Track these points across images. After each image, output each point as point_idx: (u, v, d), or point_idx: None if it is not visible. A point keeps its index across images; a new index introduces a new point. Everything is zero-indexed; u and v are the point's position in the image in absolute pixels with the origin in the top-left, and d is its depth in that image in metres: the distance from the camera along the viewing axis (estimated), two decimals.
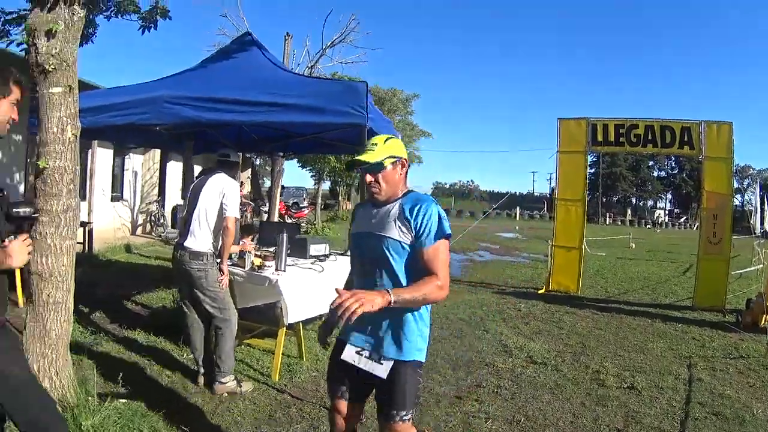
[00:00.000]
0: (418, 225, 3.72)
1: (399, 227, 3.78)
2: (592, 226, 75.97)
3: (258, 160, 39.85)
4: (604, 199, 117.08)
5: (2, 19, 8.37)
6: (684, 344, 10.61)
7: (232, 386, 6.83)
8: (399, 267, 3.81)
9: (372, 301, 3.31)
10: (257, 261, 7.85)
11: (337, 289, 3.37)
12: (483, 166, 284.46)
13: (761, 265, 18.14)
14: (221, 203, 6.88)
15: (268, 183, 45.67)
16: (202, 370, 7.12)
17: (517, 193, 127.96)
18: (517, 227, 58.19)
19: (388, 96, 67.44)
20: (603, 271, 22.06)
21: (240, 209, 7.69)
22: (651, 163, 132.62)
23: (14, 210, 3.21)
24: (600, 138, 15.47)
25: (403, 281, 3.78)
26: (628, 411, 6.99)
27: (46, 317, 5.74)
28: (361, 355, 3.95)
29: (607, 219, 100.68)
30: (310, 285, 7.71)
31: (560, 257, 16.00)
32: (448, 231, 3.77)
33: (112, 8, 7.65)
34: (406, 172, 4.04)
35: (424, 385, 7.23)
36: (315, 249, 8.89)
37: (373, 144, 3.94)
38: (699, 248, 14.91)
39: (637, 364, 9.06)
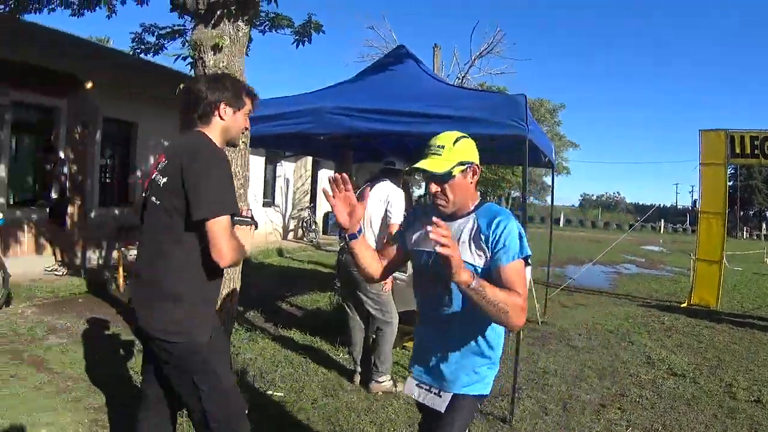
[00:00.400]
0: (496, 240, 3.20)
1: (474, 249, 3.25)
2: (731, 240, 73.53)
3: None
4: (741, 213, 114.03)
5: (156, 33, 8.86)
6: None
7: (389, 386, 7.16)
8: None
9: (459, 266, 2.83)
10: None
11: (436, 221, 2.84)
12: (629, 176, 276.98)
13: None
14: (386, 210, 7.19)
15: (417, 192, 46.07)
16: (359, 369, 7.50)
17: (661, 206, 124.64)
18: (661, 240, 57.04)
19: (535, 106, 66.78)
20: (740, 285, 21.35)
21: None
22: None
23: (235, 218, 3.43)
24: (738, 150, 15.02)
25: (477, 311, 3.09)
26: (752, 423, 7.03)
27: None
28: (422, 388, 3.56)
29: (745, 233, 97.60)
30: None
31: (702, 271, 15.62)
32: (528, 252, 3.22)
33: (267, 23, 7.96)
34: (478, 179, 3.47)
35: (572, 393, 7.60)
36: None
37: (438, 146, 3.33)
38: None
39: (765, 378, 8.98)
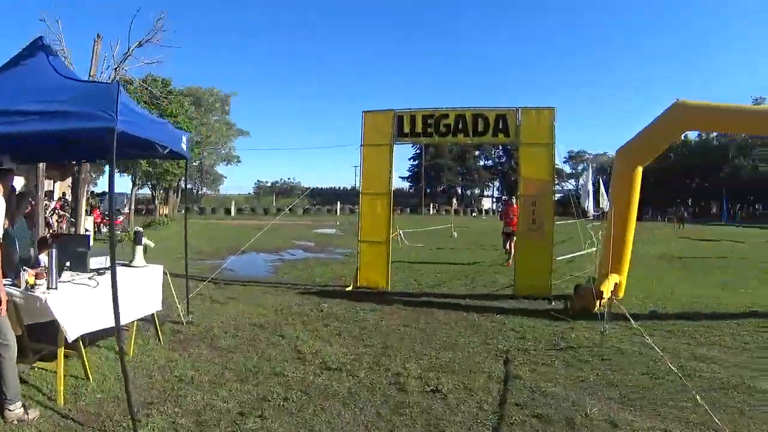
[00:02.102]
0: None
1: None
2: (415, 217, 78.61)
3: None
4: (428, 190, 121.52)
5: None
6: (501, 337, 10.49)
7: (20, 413, 6.53)
8: None
9: None
10: (30, 279, 7.44)
11: None
12: (306, 162, 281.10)
13: (594, 249, 18.50)
14: None
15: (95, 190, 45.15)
16: None
17: (341, 188, 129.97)
18: (338, 222, 59.86)
19: (206, 95, 67.89)
20: (419, 263, 22.17)
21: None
22: (477, 152, 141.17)
23: None
24: (407, 130, 15.62)
25: None
26: (430, 418, 6.67)
27: None
28: None
29: (431, 209, 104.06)
30: (86, 300, 7.56)
31: (367, 252, 15.98)
32: None
33: None
34: None
35: (209, 402, 7.08)
36: (96, 262, 8.59)
37: None
38: (517, 235, 15.66)
39: (445, 363, 8.79)
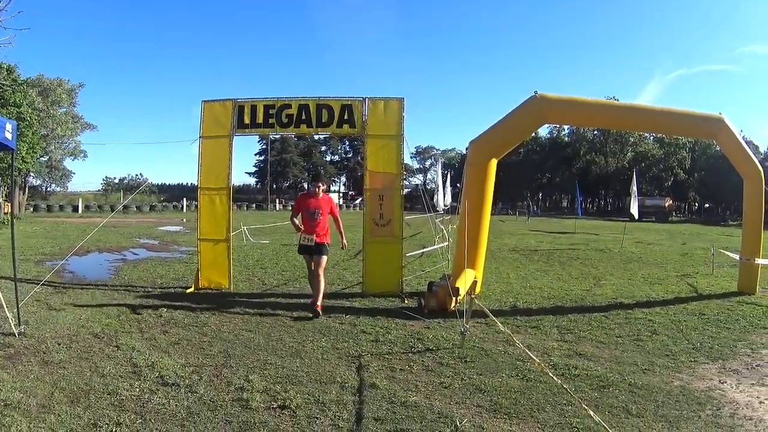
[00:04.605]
0: None
1: None
2: (261, 213, 77.55)
3: None
4: (275, 186, 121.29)
5: None
6: (352, 340, 9.76)
7: None
8: None
9: None
10: None
11: None
12: (155, 157, 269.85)
13: (446, 243, 17.89)
14: None
15: None
16: None
17: (188, 184, 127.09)
18: (184, 219, 57.97)
19: (53, 86, 65.60)
20: (264, 260, 21.40)
21: None
22: (324, 147, 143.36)
23: None
24: (247, 120, 14.80)
25: None
26: None
27: None
28: None
29: (278, 205, 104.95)
30: None
31: (207, 251, 15.01)
32: None
33: None
34: None
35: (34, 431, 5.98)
36: None
37: None
38: (364, 231, 14.64)
39: (292, 373, 7.93)
